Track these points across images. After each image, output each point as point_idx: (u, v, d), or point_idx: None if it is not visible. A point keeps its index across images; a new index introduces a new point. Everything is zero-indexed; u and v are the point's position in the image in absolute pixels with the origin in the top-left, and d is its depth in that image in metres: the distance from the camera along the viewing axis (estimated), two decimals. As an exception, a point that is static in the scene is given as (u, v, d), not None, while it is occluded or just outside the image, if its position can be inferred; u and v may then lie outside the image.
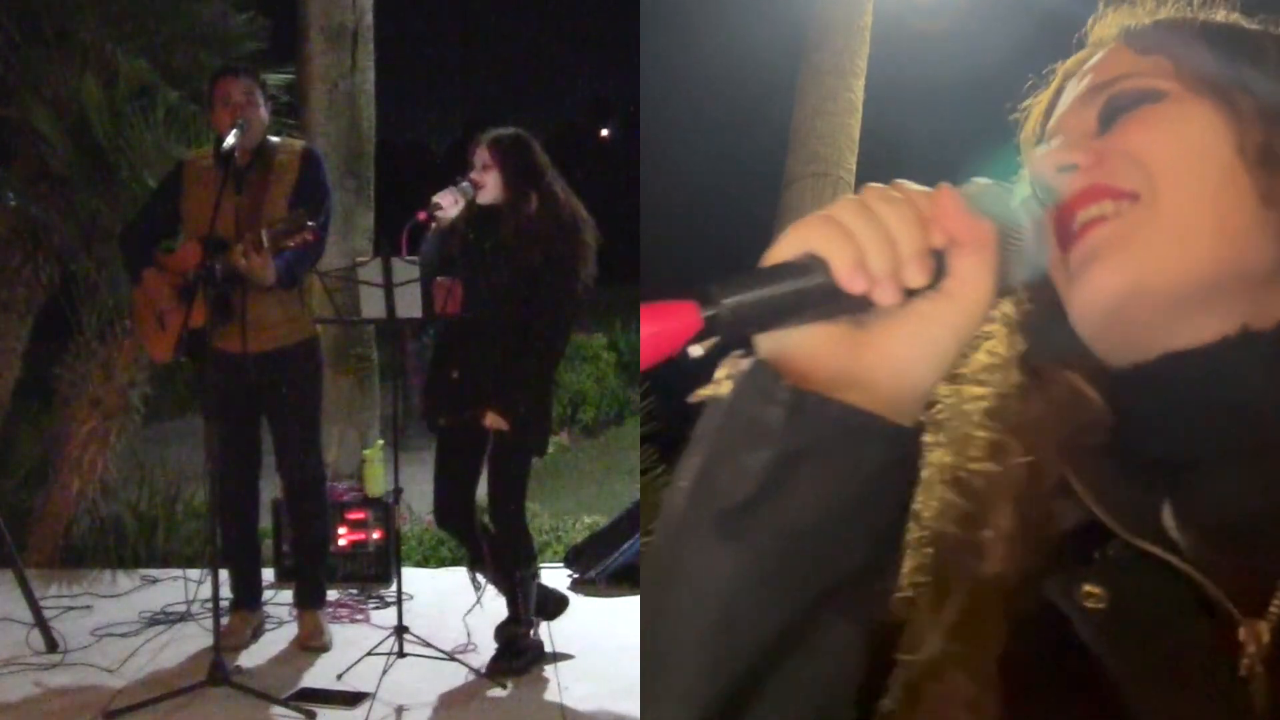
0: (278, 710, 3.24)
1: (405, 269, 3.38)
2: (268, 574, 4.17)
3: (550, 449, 7.65)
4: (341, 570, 4.34)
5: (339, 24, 5.22)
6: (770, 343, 0.65)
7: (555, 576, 4.58)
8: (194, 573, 4.12)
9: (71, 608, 4.16)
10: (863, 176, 4.24)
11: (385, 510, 4.36)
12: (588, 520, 5.38)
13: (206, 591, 3.46)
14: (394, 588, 3.97)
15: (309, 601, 3.84)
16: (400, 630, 3.54)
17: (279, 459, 3.76)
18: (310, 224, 3.32)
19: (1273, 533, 0.64)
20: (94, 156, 4.69)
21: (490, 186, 3.39)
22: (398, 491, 3.71)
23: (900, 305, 0.64)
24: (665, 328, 0.60)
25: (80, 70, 4.68)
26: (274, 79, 4.72)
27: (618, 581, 4.51)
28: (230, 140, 3.38)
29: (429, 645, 3.56)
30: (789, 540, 0.59)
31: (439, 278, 3.40)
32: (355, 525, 4.40)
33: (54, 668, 3.59)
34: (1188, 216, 0.69)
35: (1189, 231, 0.69)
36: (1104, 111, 0.75)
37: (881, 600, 0.64)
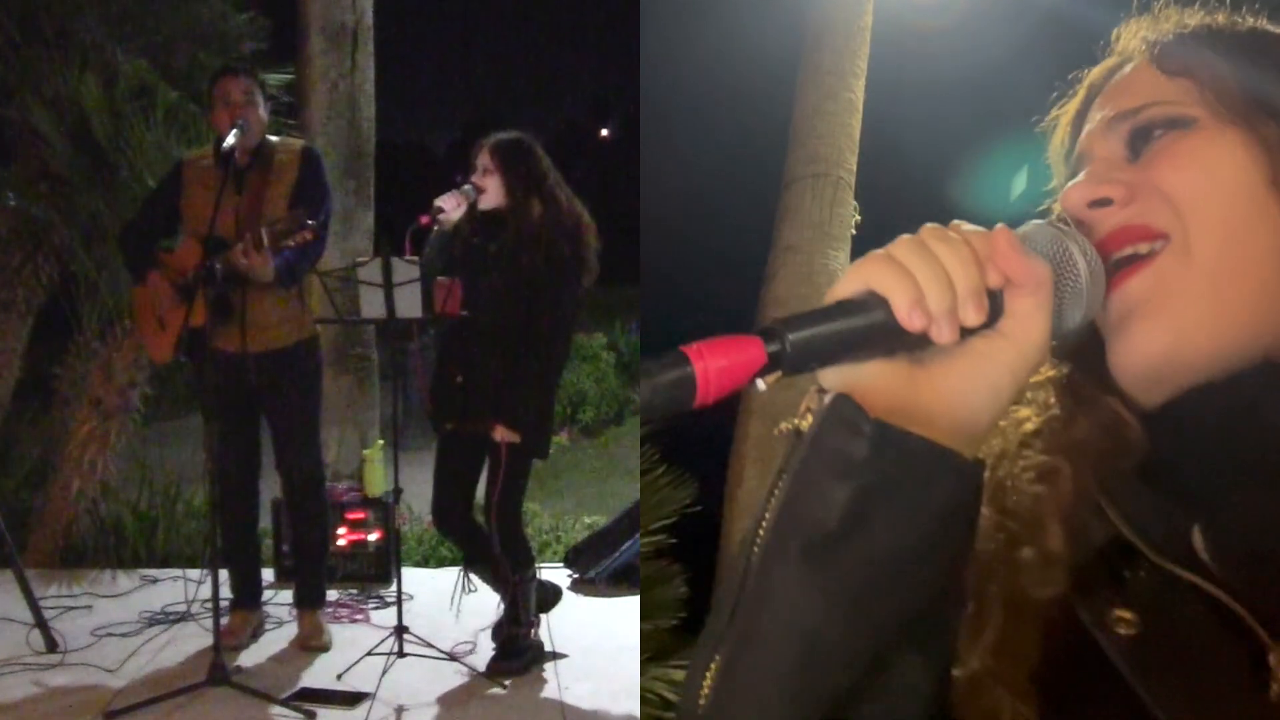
0: (278, 710, 3.24)
1: (405, 269, 3.38)
2: (268, 574, 4.17)
3: (550, 449, 7.64)
4: (341, 570, 4.34)
5: (339, 24, 5.23)
6: (833, 377, 0.66)
7: (555, 577, 4.58)
8: (194, 573, 4.13)
9: (71, 608, 4.16)
10: (863, 176, 4.23)
11: (385, 510, 4.37)
12: (588, 520, 5.38)
13: (206, 591, 3.46)
14: (394, 588, 3.98)
15: (309, 601, 3.84)
16: (400, 630, 3.54)
17: (278, 459, 3.76)
18: (310, 223, 3.32)
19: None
20: (94, 156, 4.69)
21: (492, 190, 3.40)
22: (397, 491, 3.71)
23: (958, 344, 0.65)
24: (732, 362, 0.61)
25: (80, 70, 4.68)
26: (274, 79, 4.73)
27: (618, 581, 4.51)
28: (230, 140, 3.38)
29: (429, 645, 3.56)
30: (872, 570, 0.60)
31: (439, 277, 3.40)
32: (355, 525, 4.40)
33: (54, 668, 3.59)
34: (1221, 264, 0.68)
35: (1224, 281, 0.68)
36: (1132, 138, 0.74)
37: (951, 632, 0.65)
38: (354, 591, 4.33)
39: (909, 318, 0.63)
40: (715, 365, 0.61)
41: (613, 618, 4.15)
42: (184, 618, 4.01)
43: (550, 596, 3.84)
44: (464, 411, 3.42)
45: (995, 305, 0.65)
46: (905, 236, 0.66)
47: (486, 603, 3.97)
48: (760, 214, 4.35)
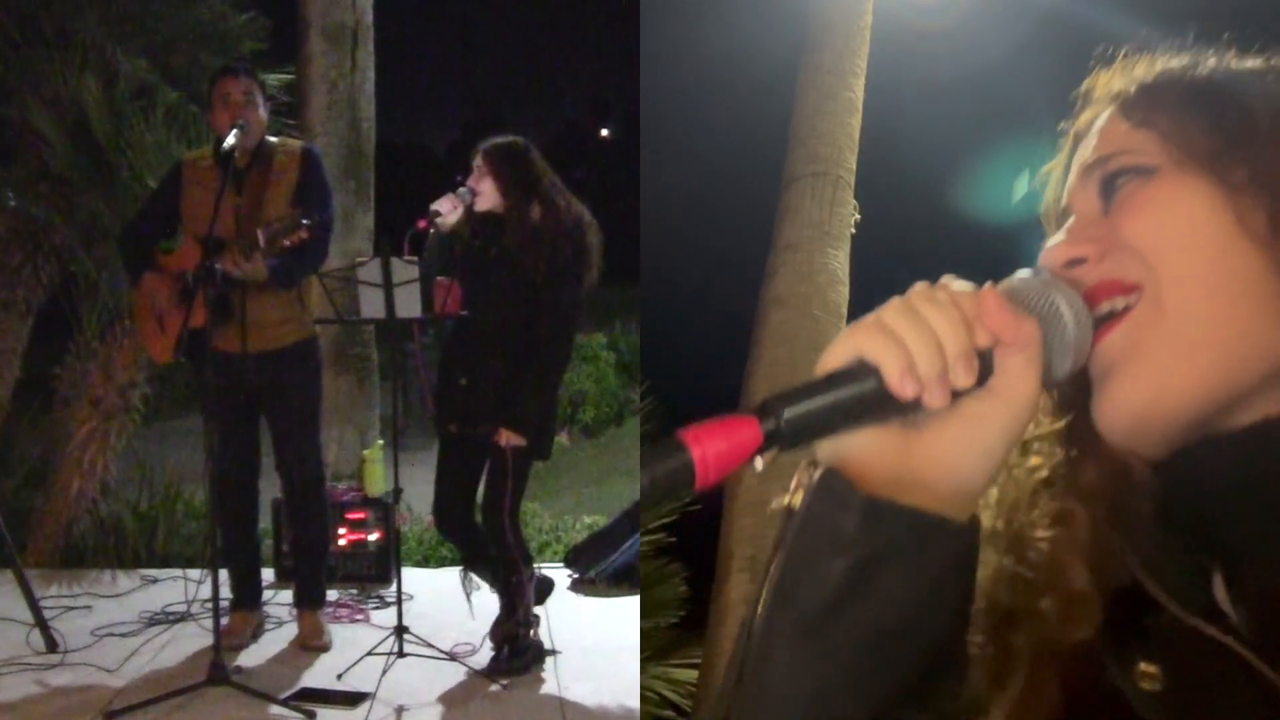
0: (278, 710, 3.24)
1: (405, 269, 3.38)
2: (268, 574, 4.17)
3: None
4: (341, 570, 4.34)
5: (339, 24, 5.23)
6: (829, 447, 0.66)
7: (555, 577, 4.58)
8: (194, 573, 4.13)
9: (71, 608, 4.16)
10: (863, 176, 4.23)
11: (385, 510, 4.37)
12: (588, 520, 5.38)
13: (206, 591, 3.46)
14: (394, 588, 3.97)
15: (309, 601, 3.84)
16: (400, 630, 3.54)
17: (278, 459, 3.76)
18: (305, 223, 3.32)
19: None
20: (94, 156, 4.69)
21: (486, 194, 3.41)
22: (397, 491, 3.71)
23: (950, 405, 0.65)
24: (730, 445, 0.61)
25: (80, 70, 4.68)
26: (274, 79, 4.72)
27: (618, 581, 4.51)
28: (230, 140, 3.38)
29: (429, 645, 3.56)
30: (871, 639, 0.62)
31: (439, 277, 3.40)
32: (355, 525, 4.40)
33: (54, 668, 3.58)
34: (1193, 312, 0.68)
35: (1197, 328, 0.68)
36: (1102, 189, 0.74)
37: (953, 693, 0.66)
38: (354, 591, 4.33)
39: (901, 385, 0.63)
40: (713, 450, 0.61)
41: (613, 617, 4.15)
42: (184, 618, 4.01)
43: (545, 588, 3.84)
44: (466, 414, 3.43)
45: (985, 364, 0.66)
46: (894, 300, 0.67)
47: (487, 603, 3.97)
48: (760, 214, 4.35)
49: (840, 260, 4.05)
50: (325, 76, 5.21)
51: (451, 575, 4.72)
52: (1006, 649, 0.73)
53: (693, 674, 4.24)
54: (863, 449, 0.65)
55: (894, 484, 0.64)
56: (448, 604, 4.22)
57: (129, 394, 4.84)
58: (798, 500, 0.66)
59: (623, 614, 4.16)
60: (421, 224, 3.36)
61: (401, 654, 3.52)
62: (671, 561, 5.10)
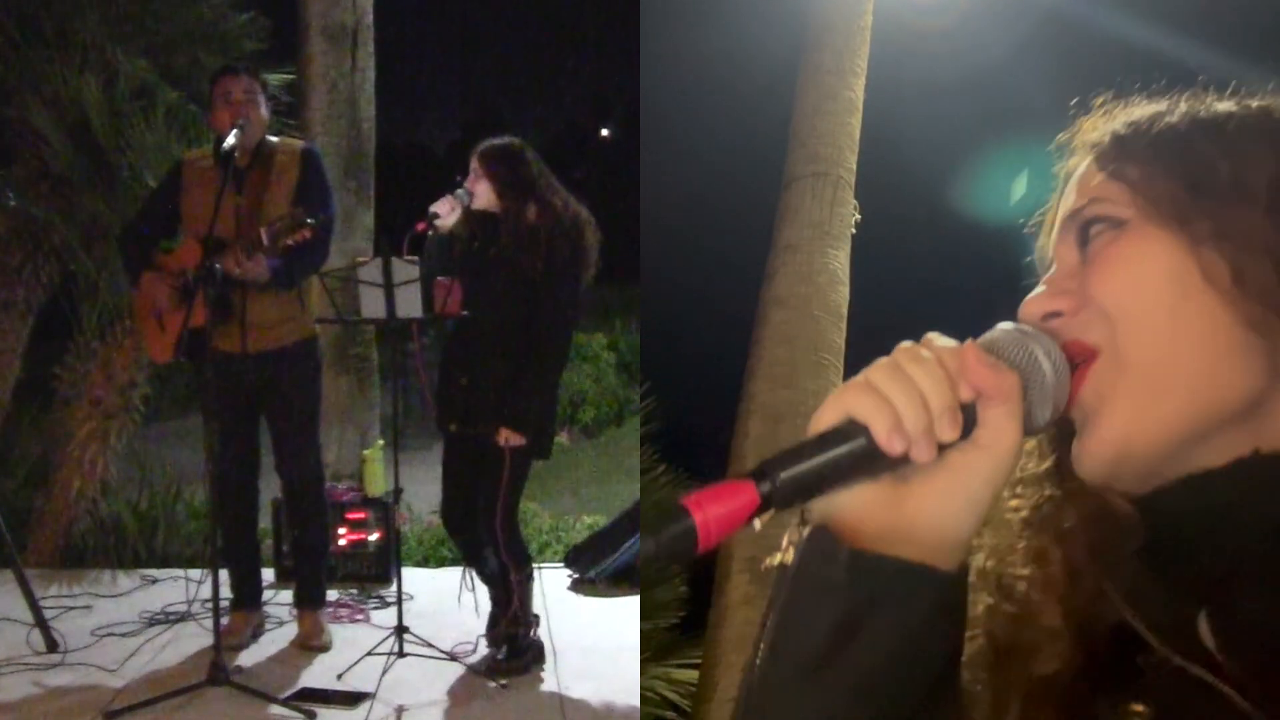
0: (278, 710, 3.24)
1: (405, 269, 3.38)
2: (268, 574, 4.17)
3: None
4: (341, 570, 4.34)
5: (339, 24, 5.22)
6: (822, 505, 0.69)
7: (555, 577, 4.58)
8: (194, 573, 4.13)
9: (71, 608, 4.16)
10: (863, 176, 4.23)
11: (385, 510, 4.37)
12: (588, 520, 5.38)
13: (206, 591, 3.46)
14: (394, 588, 3.97)
15: (309, 601, 3.84)
16: (400, 630, 3.54)
17: (278, 459, 3.76)
18: (309, 221, 3.33)
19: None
20: (94, 156, 4.69)
21: (483, 195, 3.43)
22: (397, 491, 3.71)
23: (937, 458, 0.68)
24: (729, 509, 0.65)
25: (80, 70, 4.68)
26: (274, 79, 4.72)
27: (618, 581, 4.51)
28: (230, 140, 3.38)
29: (429, 645, 3.56)
30: (862, 684, 0.65)
31: (439, 277, 3.41)
32: (355, 525, 4.40)
33: (54, 668, 3.59)
34: (1154, 363, 0.70)
35: (1160, 376, 0.70)
36: (1079, 239, 0.77)
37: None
38: (354, 591, 4.33)
39: (889, 442, 0.66)
40: (714, 515, 0.64)
41: (613, 617, 4.15)
42: (184, 618, 4.01)
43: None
44: (467, 414, 3.44)
45: (969, 417, 0.69)
46: (881, 360, 0.69)
47: (487, 603, 3.97)
48: (760, 214, 4.35)
49: (840, 260, 4.05)
50: (325, 76, 5.21)
51: (451, 575, 4.72)
52: (1001, 686, 0.76)
53: (693, 674, 4.24)
54: (855, 505, 0.68)
55: (885, 537, 0.67)
56: (448, 604, 4.22)
57: (129, 394, 4.84)
58: (790, 557, 0.70)
59: (623, 614, 4.16)
60: (420, 226, 3.37)
61: (401, 654, 3.52)
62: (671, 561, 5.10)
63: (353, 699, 3.31)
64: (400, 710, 3.27)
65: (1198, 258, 0.70)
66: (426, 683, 3.43)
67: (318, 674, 3.54)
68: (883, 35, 4.46)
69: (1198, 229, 0.70)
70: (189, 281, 3.45)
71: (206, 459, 3.42)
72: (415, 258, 3.39)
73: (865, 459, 0.67)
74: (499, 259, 3.40)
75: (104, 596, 4.34)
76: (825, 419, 0.68)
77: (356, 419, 5.23)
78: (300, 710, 3.21)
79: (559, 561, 4.78)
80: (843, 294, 4.01)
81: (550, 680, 3.51)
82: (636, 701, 3.45)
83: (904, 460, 0.67)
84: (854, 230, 4.16)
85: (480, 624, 3.77)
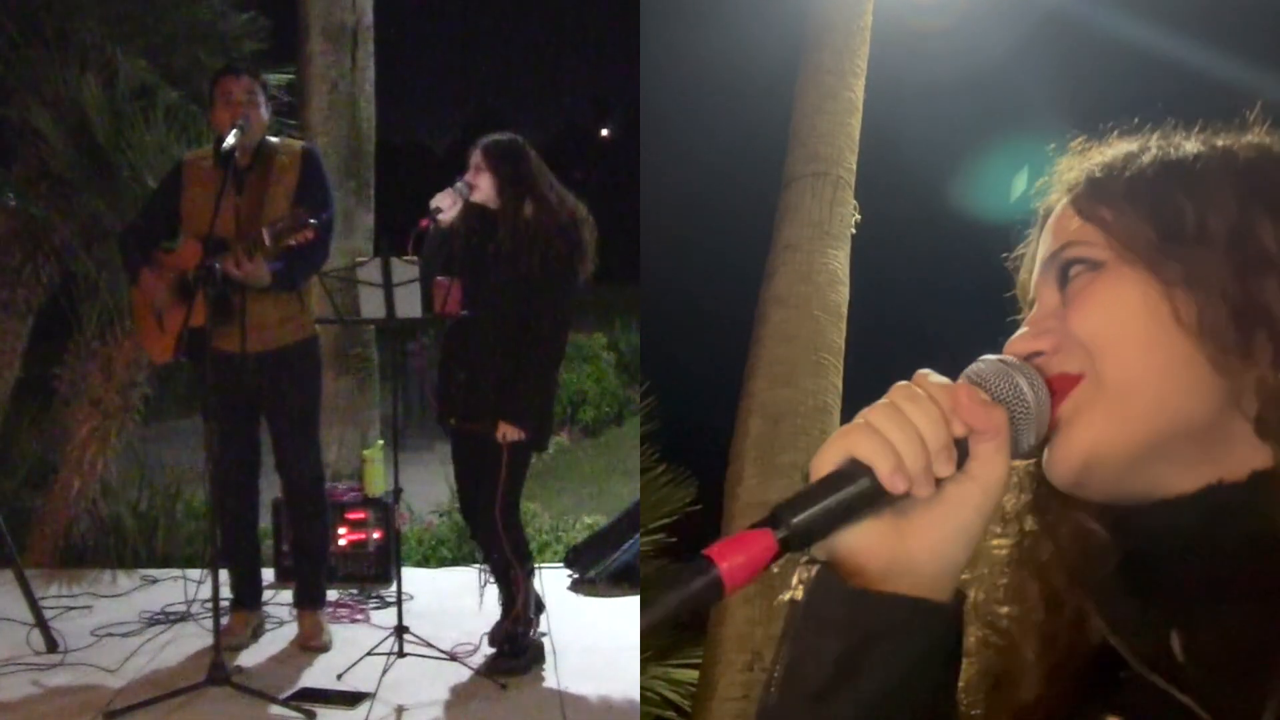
0: (278, 710, 3.24)
1: (404, 269, 3.39)
2: (268, 574, 4.17)
3: (550, 449, 7.66)
4: (341, 570, 4.34)
5: (339, 24, 5.22)
6: (829, 544, 0.74)
7: (555, 577, 4.58)
8: (194, 573, 4.13)
9: (71, 608, 4.16)
10: (863, 176, 4.23)
11: (385, 510, 4.37)
12: (588, 520, 5.38)
13: (206, 591, 3.46)
14: (394, 588, 3.97)
15: (309, 601, 3.84)
16: (400, 630, 3.54)
17: (278, 459, 3.76)
18: (311, 221, 3.33)
19: (1260, 666, 0.71)
20: (94, 156, 4.69)
21: (483, 187, 3.45)
22: (398, 491, 3.71)
23: (933, 494, 0.73)
24: (749, 557, 0.70)
25: (80, 70, 4.68)
26: (274, 79, 4.72)
27: (618, 581, 4.51)
28: (230, 140, 3.38)
29: (429, 645, 3.56)
30: (867, 711, 0.70)
31: (439, 277, 3.42)
32: (355, 525, 4.40)
33: (54, 668, 3.59)
34: (1127, 391, 0.76)
35: (1131, 403, 0.76)
36: (1059, 280, 0.82)
37: None
38: (354, 591, 4.33)
39: (892, 482, 0.71)
40: (735, 563, 0.69)
41: (613, 618, 4.15)
42: (184, 618, 4.01)
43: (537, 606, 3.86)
44: (466, 408, 3.45)
45: (962, 451, 0.74)
46: (880, 403, 0.74)
47: (487, 603, 3.97)
48: (760, 214, 4.35)
49: (840, 260, 4.05)
50: (325, 76, 5.21)
51: (451, 575, 4.73)
52: (993, 712, 0.81)
53: (693, 674, 4.24)
54: (858, 542, 0.73)
55: (889, 571, 0.73)
56: (448, 604, 4.23)
57: (129, 394, 4.84)
58: (799, 594, 0.75)
59: (623, 614, 4.16)
60: (424, 222, 3.38)
61: (401, 654, 3.52)
62: (672, 562, 5.10)
63: (353, 699, 3.31)
64: (400, 710, 3.27)
65: (1169, 299, 0.75)
66: (426, 683, 3.43)
67: (318, 674, 3.54)
68: (883, 35, 4.46)
69: (1168, 272, 0.76)
70: (189, 281, 3.45)
71: (206, 459, 3.42)
72: (415, 258, 3.40)
73: (869, 498, 0.72)
74: (497, 255, 3.42)
75: (104, 596, 4.34)
76: (827, 461, 0.73)
77: (356, 419, 5.23)
78: (300, 710, 3.21)
79: (559, 561, 4.78)
80: (842, 294, 4.01)
81: (550, 680, 3.51)
82: (636, 701, 3.45)
83: (904, 496, 0.72)
84: (854, 230, 4.16)
85: (480, 624, 3.77)
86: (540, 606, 3.69)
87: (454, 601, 4.27)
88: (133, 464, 5.12)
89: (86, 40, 4.78)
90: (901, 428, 0.72)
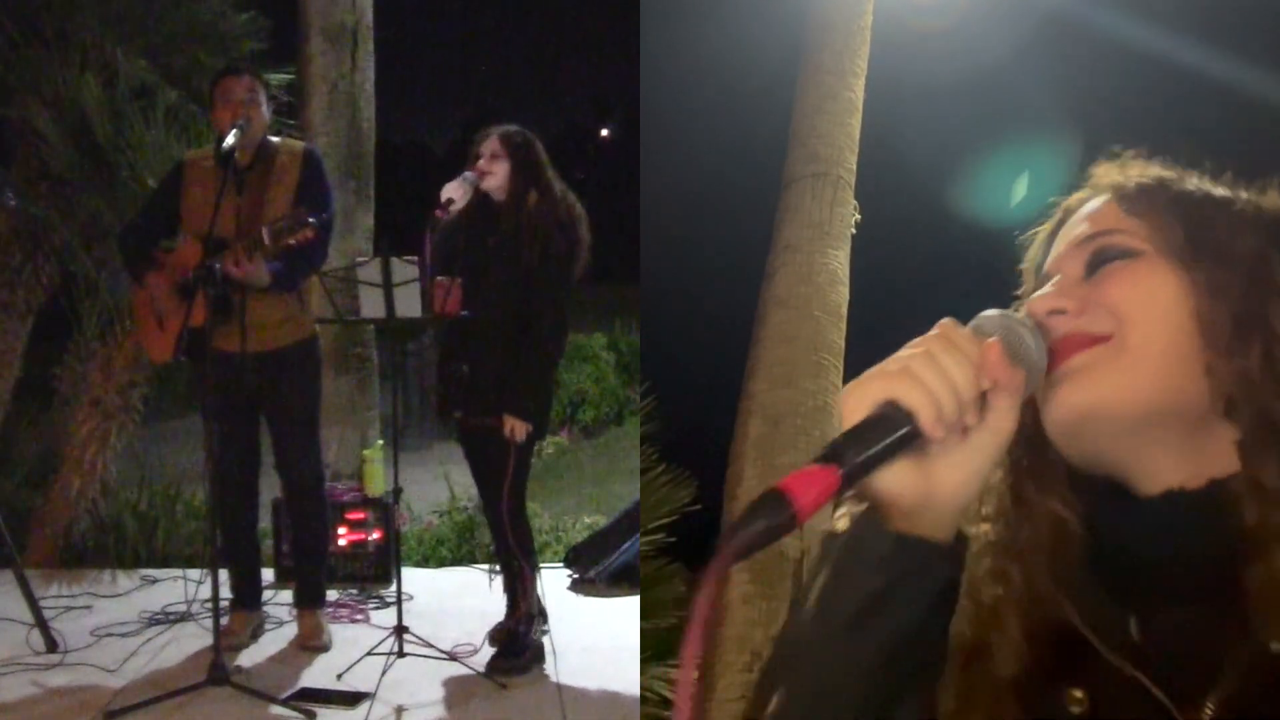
0: (278, 710, 3.24)
1: (404, 269, 3.39)
2: (268, 574, 4.17)
3: (550, 449, 7.66)
4: (341, 570, 4.34)
5: (339, 24, 5.22)
6: (865, 483, 0.80)
7: (555, 577, 4.58)
8: (194, 573, 4.13)
9: (71, 608, 4.16)
10: (863, 176, 4.22)
11: (385, 510, 4.37)
12: (588, 520, 5.38)
13: (206, 591, 3.46)
14: (394, 588, 3.97)
15: (309, 601, 3.84)
16: (400, 630, 3.54)
17: (278, 459, 3.76)
18: (311, 220, 3.33)
19: (1211, 657, 0.80)
20: (94, 156, 4.69)
21: (498, 175, 3.48)
22: (397, 491, 3.71)
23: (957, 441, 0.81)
24: (818, 491, 0.75)
25: (80, 70, 4.68)
26: (274, 79, 4.72)
27: (618, 581, 4.51)
28: (229, 140, 3.38)
29: (429, 645, 3.56)
30: (892, 643, 0.79)
31: (439, 277, 3.42)
32: (355, 525, 4.40)
33: (54, 668, 3.59)
34: (1145, 358, 0.85)
35: (1143, 370, 0.85)
36: (1090, 259, 0.91)
37: (935, 684, 0.84)
38: (354, 591, 4.33)
39: (933, 430, 0.79)
40: (807, 496, 0.75)
41: (613, 618, 4.15)
42: (184, 618, 4.01)
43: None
44: (471, 403, 3.47)
45: (983, 403, 0.81)
46: (917, 351, 0.81)
47: (487, 602, 3.97)
48: (760, 214, 4.34)
49: (840, 260, 4.05)
50: (325, 76, 5.21)
51: (451, 575, 4.73)
52: (966, 683, 0.88)
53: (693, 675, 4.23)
54: (888, 482, 0.80)
55: (913, 510, 0.80)
56: (448, 604, 4.23)
57: (129, 394, 4.84)
58: (841, 525, 0.83)
59: (623, 614, 4.16)
60: (439, 212, 3.39)
61: (401, 654, 3.51)
62: (671, 561, 5.10)
63: (353, 699, 3.31)
64: (400, 710, 3.27)
65: (1193, 296, 0.86)
66: (426, 683, 3.43)
67: (318, 674, 3.54)
68: (883, 35, 4.46)
69: (1196, 274, 0.87)
70: (188, 281, 3.45)
71: (206, 459, 3.42)
72: (414, 258, 3.40)
73: (906, 441, 0.78)
74: (498, 247, 3.44)
75: (104, 596, 4.34)
76: (864, 399, 0.80)
77: (356, 419, 5.23)
78: (300, 710, 3.21)
79: (559, 561, 4.78)
80: (842, 294, 4.01)
81: (550, 680, 3.51)
82: (636, 701, 3.45)
83: (930, 440, 0.79)
84: (854, 230, 4.16)
85: (480, 624, 3.77)
86: (543, 615, 3.69)
87: (454, 601, 4.27)
88: (133, 464, 5.12)
89: (86, 40, 4.77)
90: (940, 378, 0.79)
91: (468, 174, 3.46)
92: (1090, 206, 0.95)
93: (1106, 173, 0.98)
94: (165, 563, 4.70)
